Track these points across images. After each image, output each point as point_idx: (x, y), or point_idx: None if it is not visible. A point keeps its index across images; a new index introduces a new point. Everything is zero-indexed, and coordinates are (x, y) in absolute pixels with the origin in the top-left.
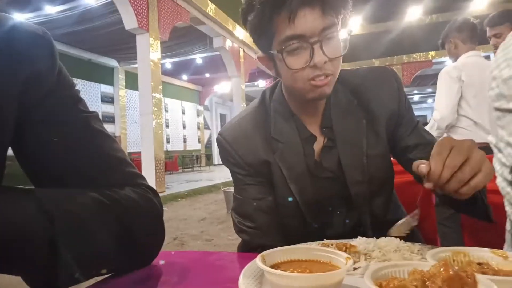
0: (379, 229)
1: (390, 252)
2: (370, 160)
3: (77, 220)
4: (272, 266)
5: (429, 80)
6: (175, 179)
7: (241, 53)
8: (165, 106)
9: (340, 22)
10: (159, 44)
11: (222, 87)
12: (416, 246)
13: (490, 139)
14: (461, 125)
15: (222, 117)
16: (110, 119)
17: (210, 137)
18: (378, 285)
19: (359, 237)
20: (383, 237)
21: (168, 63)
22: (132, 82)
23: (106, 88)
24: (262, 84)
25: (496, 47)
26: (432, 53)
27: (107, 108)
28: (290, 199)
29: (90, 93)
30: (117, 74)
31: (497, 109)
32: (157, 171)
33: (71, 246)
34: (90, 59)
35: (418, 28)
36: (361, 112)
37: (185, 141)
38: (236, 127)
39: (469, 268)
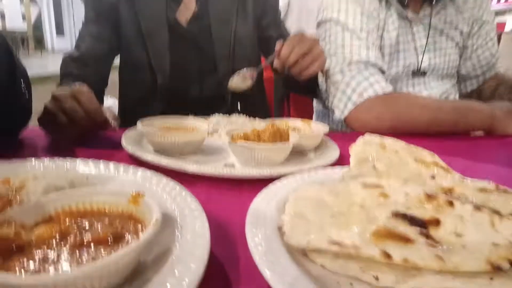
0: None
1: (239, 125)
2: (237, 38)
3: None
4: None
5: None
6: None
7: None
8: None
9: None
10: None
11: None
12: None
13: None
14: None
15: None
16: None
17: (39, 15)
18: (231, 136)
19: (216, 113)
20: (235, 114)
21: None
22: None
23: None
24: None
25: None
26: None
27: None
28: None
29: None
30: None
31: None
32: None
33: None
34: None
35: None
36: None
37: (2, 17)
38: None
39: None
